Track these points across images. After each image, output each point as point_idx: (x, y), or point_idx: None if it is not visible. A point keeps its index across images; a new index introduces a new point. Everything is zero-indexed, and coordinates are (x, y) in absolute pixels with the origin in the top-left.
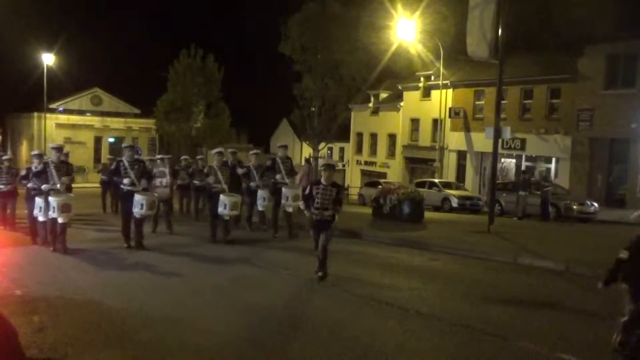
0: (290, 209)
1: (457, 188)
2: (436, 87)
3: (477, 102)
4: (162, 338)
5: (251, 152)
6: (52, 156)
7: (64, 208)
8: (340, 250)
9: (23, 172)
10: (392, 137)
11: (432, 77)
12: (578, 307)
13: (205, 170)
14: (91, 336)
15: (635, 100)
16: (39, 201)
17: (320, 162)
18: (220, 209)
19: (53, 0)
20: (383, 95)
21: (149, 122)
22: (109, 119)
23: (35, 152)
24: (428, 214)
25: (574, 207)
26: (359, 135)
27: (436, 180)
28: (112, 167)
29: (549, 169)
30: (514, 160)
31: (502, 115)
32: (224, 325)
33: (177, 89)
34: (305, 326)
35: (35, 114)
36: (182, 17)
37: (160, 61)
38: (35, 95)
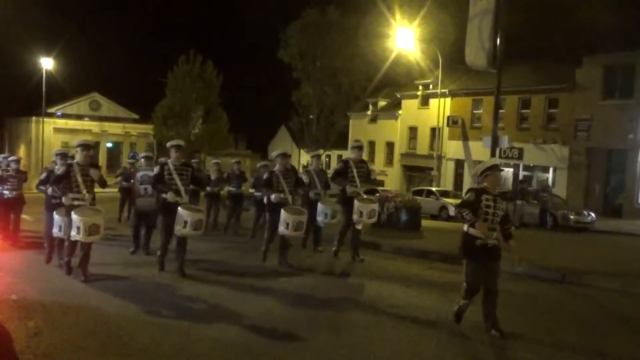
0: (359, 226)
1: (455, 197)
2: (434, 95)
3: (475, 111)
4: (159, 344)
5: (312, 154)
6: (78, 157)
7: (91, 229)
8: (336, 258)
9: (43, 176)
10: (390, 145)
11: (431, 86)
12: (575, 317)
13: (265, 176)
14: (87, 342)
15: (632, 111)
16: (58, 219)
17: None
18: (282, 228)
19: (53, 5)
20: (381, 103)
21: (147, 128)
22: (107, 124)
23: (59, 150)
24: (425, 223)
25: (571, 216)
26: (357, 141)
27: (434, 189)
28: (156, 171)
29: (547, 179)
30: (511, 170)
31: (500, 125)
32: (220, 332)
33: (175, 95)
34: (301, 334)
35: (34, 118)
36: (182, 23)
37: (160, 67)
38: (34, 100)
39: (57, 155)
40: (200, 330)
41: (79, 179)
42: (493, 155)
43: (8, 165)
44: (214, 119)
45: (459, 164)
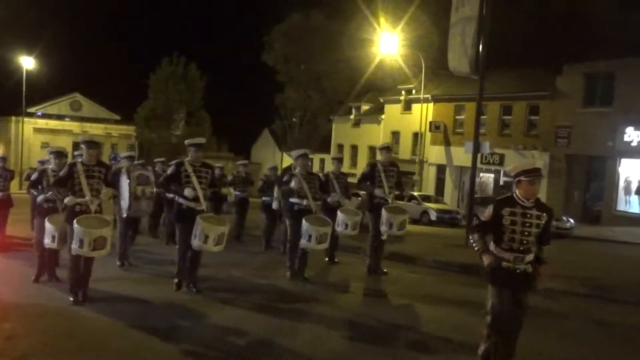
0: (385, 236)
1: (436, 201)
2: (417, 100)
3: (457, 117)
4: (137, 347)
5: (332, 156)
6: (83, 155)
7: (97, 243)
8: (318, 263)
9: (34, 176)
10: (372, 150)
11: (414, 91)
12: (557, 326)
13: (285, 178)
14: (63, 344)
15: (612, 119)
16: (50, 228)
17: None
18: (304, 241)
19: (35, 4)
20: (364, 107)
21: (129, 129)
22: (88, 124)
23: (54, 148)
24: (407, 227)
25: (552, 223)
26: (340, 146)
27: (415, 194)
28: (170, 171)
29: None
30: (492, 175)
31: (482, 131)
32: (199, 337)
33: (158, 96)
34: (282, 342)
35: (13, 117)
36: (165, 24)
37: (142, 68)
38: (14, 99)
39: (51, 154)
40: (179, 334)
41: (83, 181)
42: (474, 161)
43: None
44: (196, 122)
45: (441, 169)
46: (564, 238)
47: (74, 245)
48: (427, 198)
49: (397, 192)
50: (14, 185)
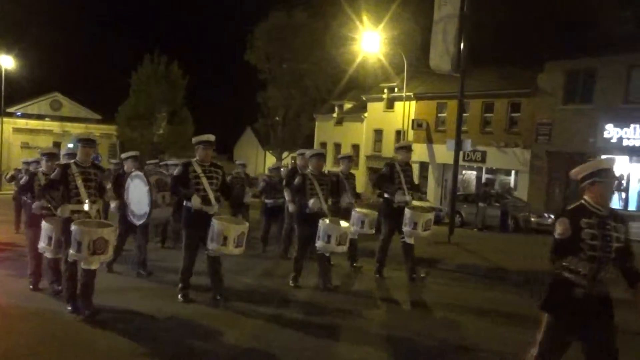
0: (412, 240)
1: (419, 199)
2: (400, 98)
3: (439, 115)
4: (119, 348)
5: (340, 155)
6: (78, 156)
7: (96, 245)
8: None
9: (23, 180)
10: (355, 148)
11: (396, 89)
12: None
13: (297, 180)
14: (45, 346)
15: (592, 116)
16: (47, 228)
17: (284, 171)
18: (321, 243)
19: (13, 3)
20: (347, 105)
21: (111, 128)
22: (69, 124)
23: (46, 150)
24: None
25: (532, 219)
26: (323, 145)
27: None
28: (178, 172)
29: (509, 182)
30: (474, 173)
31: (464, 128)
32: (183, 336)
33: (140, 96)
34: (257, 345)
35: None
36: (146, 23)
37: (123, 66)
38: None
39: (43, 155)
40: (164, 334)
41: (80, 184)
42: (457, 158)
43: None
44: (179, 121)
45: (424, 166)
46: (546, 234)
47: (71, 251)
48: (357, 194)
49: (419, 194)
50: None
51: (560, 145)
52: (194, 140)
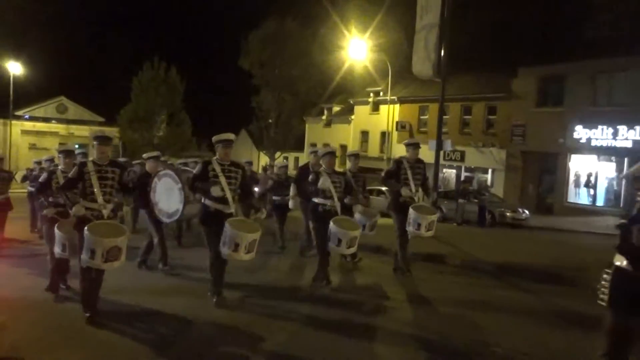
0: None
1: (426, 196)
2: (385, 102)
3: (421, 117)
4: (121, 337)
5: (348, 153)
6: (95, 154)
7: (110, 254)
8: (282, 256)
9: (43, 178)
10: (343, 148)
11: (381, 93)
12: (517, 309)
13: (311, 177)
14: (51, 336)
15: (563, 118)
16: (60, 236)
17: (276, 169)
18: (332, 245)
19: (20, 12)
20: (336, 108)
21: (113, 130)
22: (74, 126)
23: (63, 147)
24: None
25: (508, 214)
26: (313, 146)
27: (383, 188)
28: (197, 171)
29: (486, 180)
30: (454, 171)
31: (444, 130)
32: (181, 326)
33: (140, 99)
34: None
35: (1, 120)
36: (147, 30)
37: (125, 72)
38: (1, 103)
39: (60, 153)
40: (163, 324)
41: (95, 183)
42: (437, 157)
43: None
44: (177, 123)
45: None
46: (520, 228)
47: (84, 257)
48: (366, 192)
49: (428, 191)
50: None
51: (533, 145)
52: (213, 139)
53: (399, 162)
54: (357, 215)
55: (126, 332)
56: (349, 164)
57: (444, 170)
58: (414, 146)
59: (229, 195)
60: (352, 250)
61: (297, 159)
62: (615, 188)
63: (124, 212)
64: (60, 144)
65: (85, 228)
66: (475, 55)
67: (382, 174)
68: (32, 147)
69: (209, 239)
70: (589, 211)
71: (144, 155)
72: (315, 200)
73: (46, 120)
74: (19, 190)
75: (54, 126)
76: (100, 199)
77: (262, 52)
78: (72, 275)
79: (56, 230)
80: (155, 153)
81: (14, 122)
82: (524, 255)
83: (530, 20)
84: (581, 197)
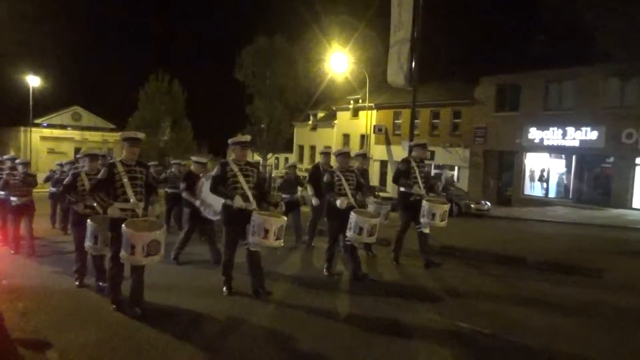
0: (427, 229)
1: (380, 190)
2: (363, 108)
3: (396, 121)
4: (133, 319)
5: (355, 153)
6: (124, 155)
7: (150, 248)
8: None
9: (68, 180)
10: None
11: (360, 100)
12: (487, 291)
13: (326, 177)
14: (70, 319)
15: (519, 121)
16: (93, 227)
17: (269, 169)
18: (352, 234)
19: (39, 30)
20: (320, 114)
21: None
22: (87, 132)
23: (88, 151)
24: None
25: (472, 205)
26: (301, 147)
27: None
28: (216, 172)
29: (452, 175)
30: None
31: (416, 132)
32: (192, 305)
33: (147, 108)
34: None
35: (22, 127)
36: (152, 46)
37: (133, 83)
38: (22, 112)
39: (85, 156)
40: (174, 307)
41: (126, 183)
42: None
43: (15, 169)
44: (180, 128)
45: (383, 164)
46: (483, 217)
47: (124, 253)
48: (372, 188)
49: (434, 187)
50: None
51: (493, 145)
52: (230, 141)
53: (407, 161)
54: (370, 207)
55: (144, 321)
56: (356, 163)
57: None
58: (422, 147)
59: (248, 193)
60: (373, 239)
61: (286, 159)
62: (565, 182)
63: (158, 212)
64: (83, 149)
65: (123, 225)
66: (442, 67)
67: (394, 173)
68: (51, 151)
69: (228, 239)
70: (542, 202)
71: (193, 158)
72: (331, 197)
73: (62, 127)
74: (40, 190)
75: (69, 132)
76: (133, 198)
77: (255, 65)
78: (91, 273)
79: (89, 222)
80: (203, 159)
81: (33, 129)
82: (488, 241)
83: (489, 36)
84: (535, 190)
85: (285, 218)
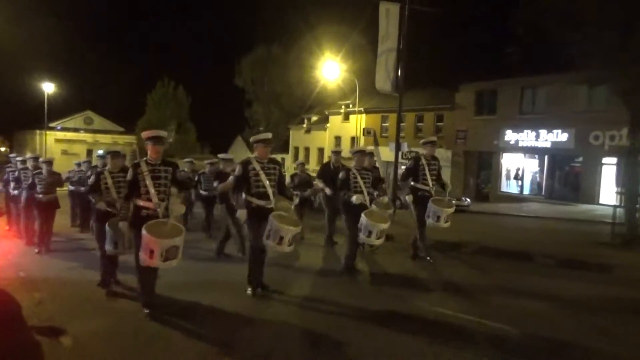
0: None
1: (442, 189)
2: (354, 112)
3: (383, 124)
4: (140, 308)
5: (355, 151)
6: (149, 154)
7: (169, 253)
8: (306, 247)
9: (92, 180)
10: (320, 150)
11: (351, 105)
12: (469, 282)
13: (341, 175)
14: (82, 308)
15: (496, 124)
16: (111, 234)
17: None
18: (363, 236)
19: (50, 39)
20: (314, 118)
21: (131, 138)
22: (98, 135)
23: (110, 149)
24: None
25: (454, 202)
26: (296, 148)
27: None
28: (238, 172)
29: None
30: None
31: (402, 134)
32: (197, 297)
33: (153, 112)
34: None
35: (38, 131)
36: (158, 54)
37: (141, 89)
38: (37, 116)
39: (108, 154)
40: (180, 296)
41: (149, 183)
42: (397, 157)
43: (39, 167)
44: (184, 131)
45: None
46: (463, 213)
47: (143, 256)
48: (382, 179)
49: (442, 185)
50: None
51: (473, 146)
52: (252, 139)
53: (417, 159)
54: (366, 222)
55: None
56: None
57: (402, 167)
58: (431, 144)
59: (269, 191)
60: (381, 241)
61: (283, 159)
62: (538, 180)
63: (181, 212)
64: (104, 150)
65: (143, 228)
66: (426, 74)
67: (403, 171)
68: (64, 152)
69: (253, 233)
70: (517, 198)
71: (220, 156)
72: (346, 194)
73: (75, 130)
74: (59, 188)
75: (81, 135)
76: (155, 198)
77: (253, 73)
78: (121, 270)
79: (107, 228)
80: (230, 155)
81: (48, 132)
82: (472, 235)
83: (469, 47)
84: (511, 187)
85: (300, 225)
